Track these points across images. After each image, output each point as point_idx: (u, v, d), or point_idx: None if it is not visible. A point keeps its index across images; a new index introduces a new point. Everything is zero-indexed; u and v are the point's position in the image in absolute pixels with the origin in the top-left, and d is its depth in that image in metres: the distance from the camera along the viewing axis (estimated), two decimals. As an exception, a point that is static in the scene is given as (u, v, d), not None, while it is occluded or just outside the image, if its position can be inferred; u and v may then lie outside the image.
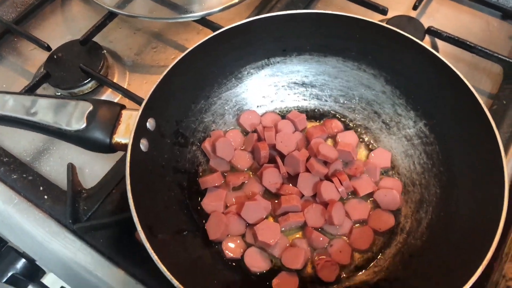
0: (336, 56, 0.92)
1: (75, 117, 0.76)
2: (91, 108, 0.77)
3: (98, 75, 1.05)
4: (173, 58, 1.16)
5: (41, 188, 0.94)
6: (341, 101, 0.95)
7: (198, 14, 1.06)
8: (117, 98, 1.09)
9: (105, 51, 1.12)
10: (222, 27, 0.94)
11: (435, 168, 0.84)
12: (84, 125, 0.76)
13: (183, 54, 0.83)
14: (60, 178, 0.97)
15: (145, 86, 1.12)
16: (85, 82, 1.07)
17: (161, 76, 0.79)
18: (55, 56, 1.11)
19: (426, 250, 0.77)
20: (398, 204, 0.83)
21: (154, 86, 0.78)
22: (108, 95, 1.10)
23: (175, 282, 0.62)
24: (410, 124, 0.89)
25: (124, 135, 0.77)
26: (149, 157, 0.79)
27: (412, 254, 0.79)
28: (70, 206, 0.87)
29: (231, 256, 0.80)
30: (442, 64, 0.80)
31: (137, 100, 1.00)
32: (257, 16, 0.86)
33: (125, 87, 1.06)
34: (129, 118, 0.78)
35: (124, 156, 0.74)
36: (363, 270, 0.79)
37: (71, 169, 0.91)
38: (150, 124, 0.79)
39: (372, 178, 0.87)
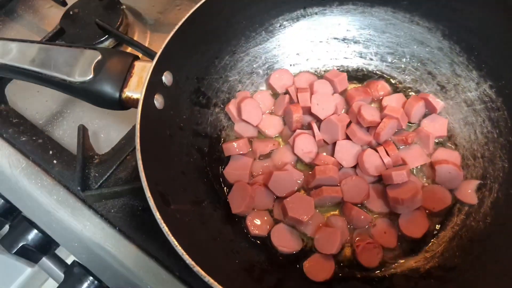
0: (385, 6, 0.79)
1: (80, 67, 0.66)
2: (99, 57, 0.67)
3: (115, 31, 0.95)
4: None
5: (50, 152, 0.86)
6: (389, 60, 0.81)
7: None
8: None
9: (124, 6, 1.02)
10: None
11: (502, 138, 0.70)
12: (91, 76, 0.66)
13: (202, 1, 0.71)
14: (72, 143, 0.88)
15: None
16: (102, 39, 0.97)
17: (180, 23, 0.68)
18: (71, 12, 1.02)
19: (491, 234, 0.64)
20: (460, 182, 0.70)
21: (172, 33, 0.67)
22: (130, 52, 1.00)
23: (188, 260, 0.52)
24: (472, 87, 0.74)
25: (136, 89, 0.66)
26: (164, 116, 0.68)
27: (473, 238, 0.66)
28: (80, 172, 0.79)
29: (256, 233, 0.70)
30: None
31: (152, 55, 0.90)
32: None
33: (146, 45, 0.96)
34: (143, 70, 0.67)
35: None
36: (412, 255, 0.67)
37: (82, 132, 0.82)
38: (167, 78, 0.69)
39: (424, 148, 0.74)
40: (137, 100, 0.65)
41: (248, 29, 0.80)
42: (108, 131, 0.90)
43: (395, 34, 0.80)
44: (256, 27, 0.80)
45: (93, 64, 0.66)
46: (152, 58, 0.88)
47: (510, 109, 0.70)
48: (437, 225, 0.69)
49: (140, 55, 0.71)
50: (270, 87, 0.82)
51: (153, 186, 0.57)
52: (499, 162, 0.69)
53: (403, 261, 0.67)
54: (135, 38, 1.02)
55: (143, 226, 0.76)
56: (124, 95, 0.66)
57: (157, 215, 0.55)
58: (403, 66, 0.81)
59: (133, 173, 0.82)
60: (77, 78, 0.66)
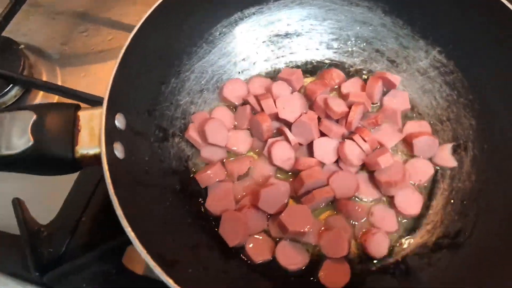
0: (321, -8, 0.77)
1: (14, 135, 0.54)
2: (34, 117, 0.55)
3: (21, 76, 0.82)
4: (111, 39, 0.95)
5: (-19, 241, 0.72)
6: (335, 46, 0.80)
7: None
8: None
9: (22, 46, 0.88)
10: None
11: (462, 98, 0.72)
12: (31, 142, 0.54)
13: (137, 26, 0.63)
14: (4, 221, 0.75)
15: (84, 80, 0.90)
16: (6, 90, 0.83)
17: (118, 59, 0.60)
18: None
19: (480, 191, 0.67)
20: (436, 149, 0.71)
21: (114, 71, 0.59)
22: (40, 101, 0.87)
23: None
24: (422, 56, 0.76)
25: (89, 144, 0.57)
26: (128, 165, 0.59)
27: (464, 199, 0.68)
28: (32, 254, 0.66)
29: (261, 259, 0.65)
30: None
31: (83, 97, 0.79)
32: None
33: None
34: (91, 120, 0.58)
35: (83, 175, 0.63)
36: (416, 232, 0.67)
37: (19, 205, 0.69)
38: (119, 121, 0.60)
39: (394, 125, 0.74)
40: (94, 157, 0.56)
41: (188, 45, 0.73)
42: (41, 196, 0.77)
43: (336, 19, 0.79)
44: (196, 40, 0.74)
45: (29, 128, 0.55)
46: (74, 98, 0.79)
47: (463, 70, 0.72)
48: (427, 196, 0.70)
49: (80, 103, 0.61)
50: (225, 100, 0.76)
51: (150, 249, 0.49)
52: (465, 121, 0.71)
53: (409, 240, 0.67)
54: (44, 79, 0.89)
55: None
56: (77, 155, 0.56)
57: (169, 280, 0.47)
58: (350, 49, 0.80)
59: (93, 236, 0.71)
60: (12, 150, 0.54)
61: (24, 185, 0.78)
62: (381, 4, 0.75)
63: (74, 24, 0.97)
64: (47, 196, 0.76)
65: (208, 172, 0.68)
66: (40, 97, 0.86)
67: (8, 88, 0.83)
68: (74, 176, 0.75)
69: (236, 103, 0.76)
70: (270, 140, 0.71)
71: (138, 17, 0.97)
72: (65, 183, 0.75)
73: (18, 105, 0.84)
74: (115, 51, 0.93)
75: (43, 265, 0.67)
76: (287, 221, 0.64)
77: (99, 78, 0.89)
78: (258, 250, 0.65)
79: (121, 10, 0.99)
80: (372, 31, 0.78)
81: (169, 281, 0.48)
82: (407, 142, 0.73)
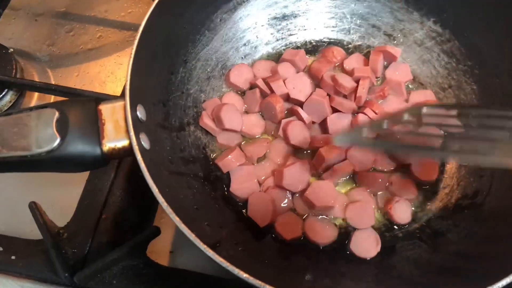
0: (314, -30, 0.78)
1: (40, 134, 0.52)
2: (57, 115, 0.53)
3: (16, 79, 0.79)
4: (100, 36, 0.93)
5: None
6: (332, 25, 0.82)
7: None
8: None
9: (12, 49, 0.84)
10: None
11: (461, 65, 0.76)
12: (58, 140, 0.52)
13: (144, 21, 0.61)
14: (13, 227, 0.72)
15: (78, 79, 0.88)
16: (1, 95, 0.79)
17: (132, 53, 0.58)
18: None
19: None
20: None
21: (130, 64, 0.57)
22: (37, 104, 0.83)
23: None
24: (418, 27, 0.79)
25: (116, 136, 0.55)
26: (154, 155, 0.59)
27: (476, 161, 0.71)
28: (58, 256, 0.64)
29: (292, 236, 0.65)
30: None
31: (82, 94, 0.76)
32: None
33: (53, 85, 0.82)
34: (114, 113, 0.56)
35: (94, 175, 0.62)
36: (435, 196, 0.70)
37: (36, 209, 0.67)
38: (141, 112, 0.59)
39: (400, 96, 0.76)
40: (124, 149, 0.54)
41: (192, 33, 0.72)
42: (52, 197, 0.75)
43: (331, -3, 0.80)
44: (199, 28, 0.73)
45: (54, 126, 0.53)
46: (73, 95, 0.76)
47: (459, 37, 0.75)
48: (439, 162, 0.73)
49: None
50: (232, 86, 0.76)
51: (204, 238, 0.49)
52: (467, 87, 0.75)
53: (430, 205, 0.69)
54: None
55: (155, 282, 0.66)
56: (105, 148, 0.54)
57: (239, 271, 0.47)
58: (347, 26, 0.81)
59: (116, 233, 0.70)
60: (40, 148, 0.52)
61: (29, 188, 0.75)
62: (373, -21, 0.78)
63: (58, 25, 0.93)
64: (57, 199, 0.74)
65: (229, 157, 0.68)
66: (35, 101, 0.83)
67: (2, 94, 0.79)
68: (83, 176, 0.73)
69: (244, 88, 0.76)
70: (284, 121, 0.72)
71: (124, 12, 0.98)
72: (74, 184, 0.73)
73: (13, 110, 0.80)
74: (105, 48, 0.91)
75: (71, 265, 0.65)
76: (313, 197, 0.66)
77: (93, 76, 0.87)
78: (288, 228, 0.66)
79: (104, 7, 0.97)
80: (367, 7, 0.80)
81: (222, 261, 0.48)
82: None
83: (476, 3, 0.72)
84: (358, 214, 0.67)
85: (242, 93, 0.76)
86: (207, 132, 0.72)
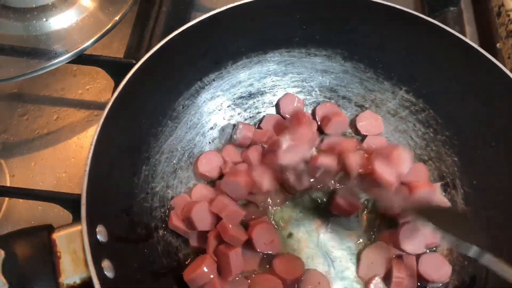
0: (278, 49, 0.74)
1: (-21, 286, 0.44)
2: (3, 256, 0.46)
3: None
4: (57, 118, 0.86)
5: None
6: (301, 98, 0.77)
7: (71, 53, 0.75)
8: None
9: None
10: (108, 58, 0.69)
11: (439, 135, 0.73)
12: (6, 286, 0.45)
13: (100, 124, 0.56)
14: None
15: (35, 170, 0.79)
16: None
17: (88, 159, 0.53)
18: None
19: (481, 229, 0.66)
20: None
21: (85, 184, 0.51)
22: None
23: None
24: (389, 97, 0.76)
25: (74, 271, 0.48)
26: (120, 281, 0.51)
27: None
28: None
29: None
30: (405, 14, 0.67)
31: (41, 196, 0.68)
32: (173, 33, 0.63)
33: (7, 184, 0.74)
34: (70, 242, 0.49)
35: None
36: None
37: None
38: (101, 234, 0.52)
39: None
40: (84, 284, 0.47)
41: (153, 126, 0.66)
42: None
43: (297, 72, 0.77)
44: (160, 119, 0.67)
45: (0, 269, 0.45)
46: (27, 197, 0.68)
47: (434, 106, 0.73)
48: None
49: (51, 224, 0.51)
50: (201, 176, 0.70)
51: None
52: (448, 158, 0.72)
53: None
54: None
55: None
56: (63, 288, 0.47)
57: None
58: (316, 100, 0.78)
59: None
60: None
61: None
62: (339, 51, 0.75)
63: (10, 108, 0.85)
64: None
65: (198, 272, 0.59)
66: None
67: None
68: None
69: (214, 177, 0.70)
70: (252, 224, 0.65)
71: (81, 90, 0.90)
72: None
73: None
74: (63, 131, 0.83)
75: None
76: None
77: (51, 166, 0.79)
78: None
79: (61, 85, 0.89)
80: (335, 78, 0.77)
81: None
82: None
83: (446, 73, 0.70)
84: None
85: (213, 183, 0.70)
86: (177, 234, 0.65)
